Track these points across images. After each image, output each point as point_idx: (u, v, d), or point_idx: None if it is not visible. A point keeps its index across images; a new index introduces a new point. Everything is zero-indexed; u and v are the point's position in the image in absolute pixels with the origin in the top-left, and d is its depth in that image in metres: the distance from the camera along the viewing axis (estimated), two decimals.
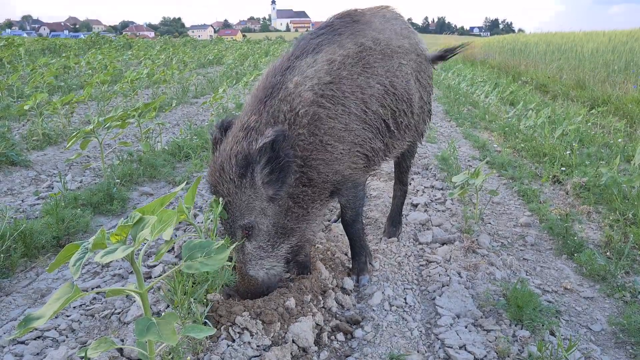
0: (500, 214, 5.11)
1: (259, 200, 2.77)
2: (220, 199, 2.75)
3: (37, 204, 4.59)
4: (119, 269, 3.50)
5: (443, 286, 3.44)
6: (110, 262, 3.57)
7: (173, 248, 3.81)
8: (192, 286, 2.78)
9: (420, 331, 2.95)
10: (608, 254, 4.06)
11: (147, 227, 1.98)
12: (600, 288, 3.61)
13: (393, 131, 3.39)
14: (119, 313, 2.95)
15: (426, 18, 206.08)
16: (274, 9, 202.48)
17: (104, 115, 5.11)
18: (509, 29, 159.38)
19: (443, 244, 4.17)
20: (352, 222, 3.41)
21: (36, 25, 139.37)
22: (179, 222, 4.28)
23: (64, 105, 7.08)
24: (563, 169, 6.14)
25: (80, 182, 5.32)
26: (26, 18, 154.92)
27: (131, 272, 3.48)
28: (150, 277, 3.41)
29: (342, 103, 3.00)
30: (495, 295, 3.35)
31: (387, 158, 3.62)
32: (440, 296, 3.31)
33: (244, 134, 2.78)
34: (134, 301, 3.02)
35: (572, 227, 4.49)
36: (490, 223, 4.80)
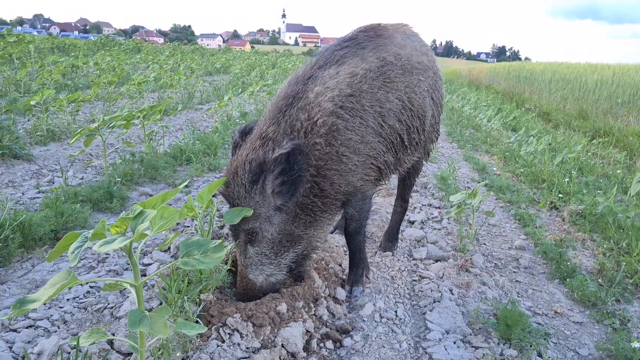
0: (496, 235, 5.14)
1: (265, 207, 2.81)
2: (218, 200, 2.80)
3: (37, 197, 4.63)
4: (115, 265, 3.53)
5: (434, 302, 3.46)
6: (107, 257, 3.61)
7: (169, 248, 3.84)
8: (187, 285, 2.82)
9: (409, 344, 2.97)
10: (600, 281, 4.09)
11: (146, 220, 2.01)
12: (590, 314, 3.63)
13: (406, 146, 3.44)
14: (111, 307, 2.98)
15: (434, 41, 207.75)
16: (284, 22, 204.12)
17: (109, 116, 5.15)
18: (515, 56, 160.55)
19: (437, 261, 4.20)
20: (355, 233, 3.44)
21: (47, 25, 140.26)
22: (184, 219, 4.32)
23: (69, 103, 7.14)
24: (560, 195, 6.19)
25: (82, 179, 5.36)
26: (37, 16, 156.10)
27: (126, 269, 3.51)
28: (145, 275, 3.43)
29: (361, 116, 3.04)
30: (485, 314, 3.37)
31: (396, 172, 3.67)
32: (430, 311, 3.33)
33: (261, 142, 2.83)
34: (127, 297, 3.04)
35: (566, 253, 4.52)
36: (485, 244, 4.83)
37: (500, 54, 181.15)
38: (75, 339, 2.06)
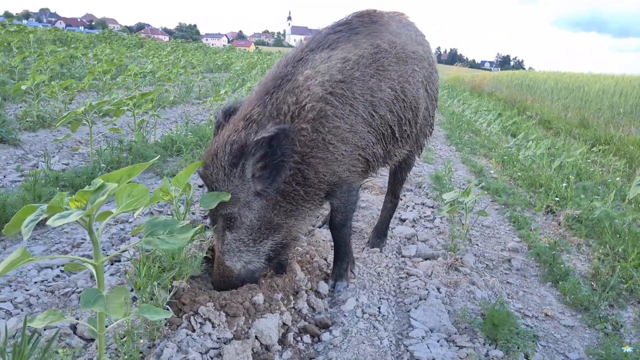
0: (489, 237, 5.01)
1: (245, 192, 2.69)
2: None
3: (19, 180, 4.50)
4: (89, 250, 3.39)
5: (420, 299, 3.33)
6: (82, 243, 3.49)
7: None
8: (160, 272, 2.69)
9: (391, 341, 2.84)
10: (594, 285, 3.96)
11: (106, 194, 1.89)
12: (582, 318, 3.50)
13: (397, 138, 3.31)
14: (80, 292, 2.85)
15: (439, 48, 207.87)
16: (289, 24, 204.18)
17: (97, 101, 5.03)
18: (519, 66, 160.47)
19: (426, 259, 4.06)
20: (340, 226, 3.31)
21: (53, 19, 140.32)
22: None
23: (62, 90, 7.02)
24: (557, 199, 6.05)
25: (67, 164, 5.24)
26: (44, 10, 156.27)
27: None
28: (120, 261, 3.30)
29: (351, 104, 2.91)
30: (472, 314, 3.24)
31: (385, 165, 3.54)
32: (415, 309, 3.20)
33: (244, 124, 2.71)
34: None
35: (560, 256, 4.39)
36: (477, 244, 4.70)
37: (504, 63, 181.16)
38: (30, 320, 1.93)
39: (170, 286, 2.68)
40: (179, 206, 2.73)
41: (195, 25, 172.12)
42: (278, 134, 2.56)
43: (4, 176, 4.60)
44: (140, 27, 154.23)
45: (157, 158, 2.12)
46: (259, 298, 2.79)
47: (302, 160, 2.78)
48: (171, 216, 2.79)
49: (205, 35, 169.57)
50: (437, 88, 3.80)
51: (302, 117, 2.73)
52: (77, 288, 2.88)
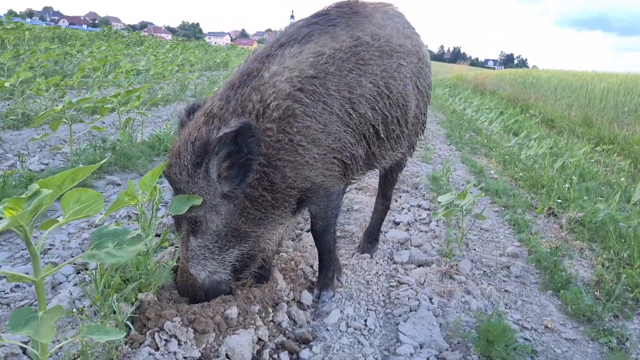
0: (487, 241, 4.78)
1: (211, 194, 2.48)
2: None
3: None
4: (56, 258, 3.18)
5: (410, 311, 3.10)
6: (50, 248, 3.28)
7: None
8: (123, 282, 2.47)
9: (376, 358, 2.61)
10: (597, 294, 3.72)
11: (41, 201, 1.67)
12: (585, 330, 3.27)
13: (382, 139, 3.06)
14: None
15: (442, 47, 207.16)
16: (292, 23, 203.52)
17: (77, 98, 4.81)
18: (523, 64, 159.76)
19: (419, 266, 3.83)
20: (322, 232, 3.08)
21: (56, 17, 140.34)
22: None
23: (49, 87, 6.80)
24: (559, 201, 5.81)
25: (47, 165, 5.02)
26: (47, 9, 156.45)
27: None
28: (87, 270, 3.07)
29: (324, 101, 2.68)
30: (466, 327, 3.02)
31: (372, 168, 3.31)
32: (405, 322, 2.97)
33: (204, 119, 2.52)
34: (59, 292, 2.69)
35: (562, 262, 4.16)
36: (474, 249, 4.47)
37: (508, 61, 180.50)
38: None
39: (134, 299, 2.46)
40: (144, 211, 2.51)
41: (198, 24, 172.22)
42: (242, 129, 2.35)
43: None
44: (144, 25, 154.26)
45: (104, 161, 1.90)
46: (232, 312, 2.56)
47: (268, 163, 2.56)
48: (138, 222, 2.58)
49: (208, 33, 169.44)
50: (429, 84, 3.56)
51: (267, 116, 2.52)
52: (36, 300, 2.66)
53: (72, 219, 1.84)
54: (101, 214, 3.41)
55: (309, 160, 2.65)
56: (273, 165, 2.56)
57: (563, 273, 3.92)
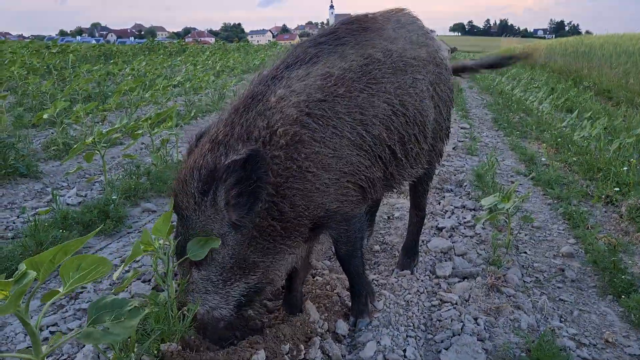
0: (540, 241, 4.47)
1: (218, 223, 2.36)
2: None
3: (31, 221, 4.35)
4: (87, 303, 3.15)
5: (453, 335, 2.90)
6: (81, 292, 3.26)
7: (150, 279, 3.43)
8: (144, 334, 2.39)
9: None
10: None
11: (28, 284, 1.59)
12: None
13: (400, 159, 2.88)
14: (66, 359, 2.59)
15: (488, 21, 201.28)
16: (332, 13, 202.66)
17: (106, 129, 4.82)
18: (575, 31, 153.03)
19: (463, 279, 3.61)
20: (347, 257, 2.91)
21: (104, 32, 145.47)
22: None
23: (88, 113, 6.91)
24: (617, 189, 5.38)
25: (85, 196, 5.07)
26: (95, 25, 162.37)
27: None
28: None
29: (334, 125, 2.53)
30: (516, 349, 2.78)
31: (393, 189, 3.12)
32: (447, 349, 2.77)
33: (210, 146, 2.41)
34: (83, 345, 2.65)
35: (622, 261, 3.82)
36: (525, 252, 4.18)
37: (558, 29, 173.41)
38: None
39: (156, 351, 2.38)
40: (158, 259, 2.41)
41: (239, 24, 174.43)
42: (251, 156, 2.23)
43: (18, 216, 4.46)
44: (187, 31, 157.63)
45: (96, 231, 1.80)
46: (261, 356, 2.44)
47: (277, 192, 2.42)
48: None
49: (250, 32, 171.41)
50: (450, 88, 3.37)
51: (274, 143, 2.39)
52: (62, 355, 2.62)
53: (75, 287, 1.76)
54: (114, 272, 3.33)
55: (320, 186, 2.50)
56: (282, 194, 2.43)
57: (624, 275, 3.59)
